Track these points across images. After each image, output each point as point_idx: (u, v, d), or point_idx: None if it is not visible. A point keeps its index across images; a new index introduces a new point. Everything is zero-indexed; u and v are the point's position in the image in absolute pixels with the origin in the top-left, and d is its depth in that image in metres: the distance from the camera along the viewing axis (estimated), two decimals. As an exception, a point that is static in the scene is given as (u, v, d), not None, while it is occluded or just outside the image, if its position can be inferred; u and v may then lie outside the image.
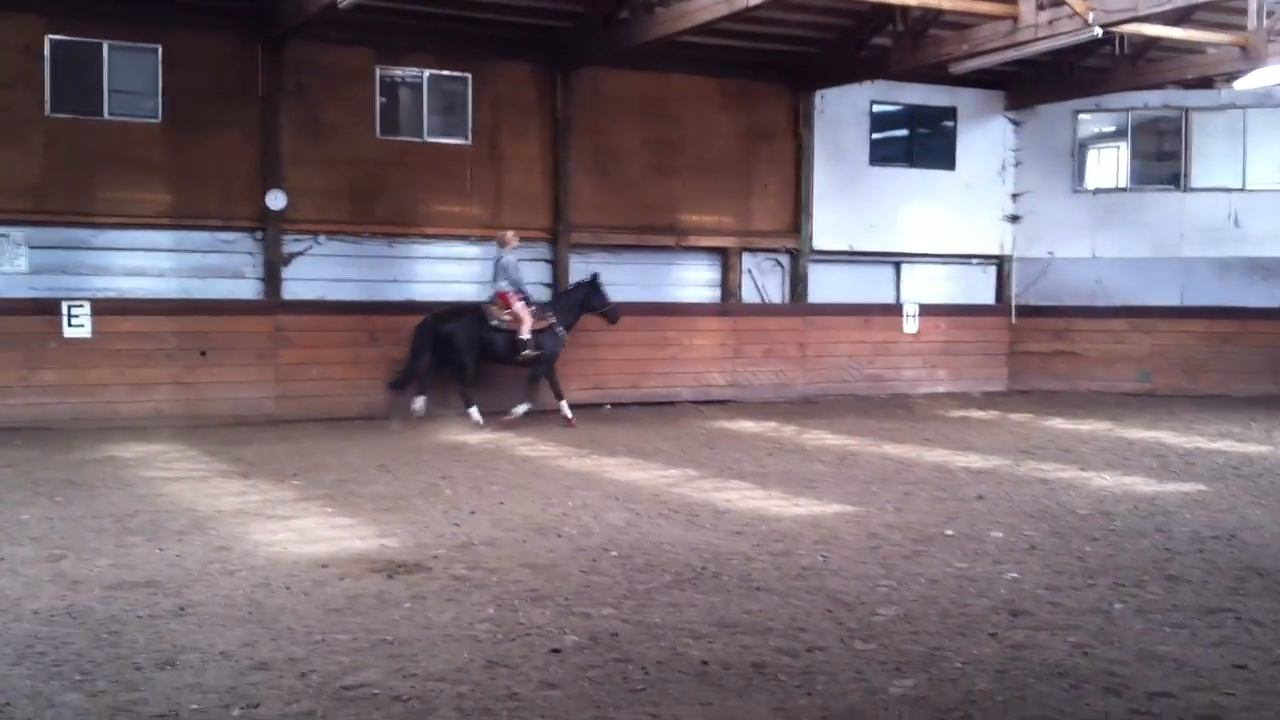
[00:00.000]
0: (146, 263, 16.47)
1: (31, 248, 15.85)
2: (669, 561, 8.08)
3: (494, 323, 16.10)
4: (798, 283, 20.55)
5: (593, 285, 16.96)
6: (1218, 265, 21.31)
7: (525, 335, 15.98)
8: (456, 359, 16.17)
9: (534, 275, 18.55)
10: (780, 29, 18.68)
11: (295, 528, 9.15)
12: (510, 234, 16.64)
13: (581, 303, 16.93)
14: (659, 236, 19.37)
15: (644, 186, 19.31)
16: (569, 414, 16.27)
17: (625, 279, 18.89)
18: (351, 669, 5.79)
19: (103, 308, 15.80)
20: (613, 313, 16.99)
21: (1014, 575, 7.76)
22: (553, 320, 16.44)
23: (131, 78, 16.30)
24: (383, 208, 17.60)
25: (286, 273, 17.01)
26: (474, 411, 15.97)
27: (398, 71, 17.78)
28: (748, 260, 20.29)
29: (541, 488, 11.10)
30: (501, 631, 6.42)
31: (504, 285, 16.15)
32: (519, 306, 16.02)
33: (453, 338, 16.08)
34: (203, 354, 16.25)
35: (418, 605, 6.93)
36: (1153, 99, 21.51)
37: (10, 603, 6.92)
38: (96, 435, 14.67)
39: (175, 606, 6.87)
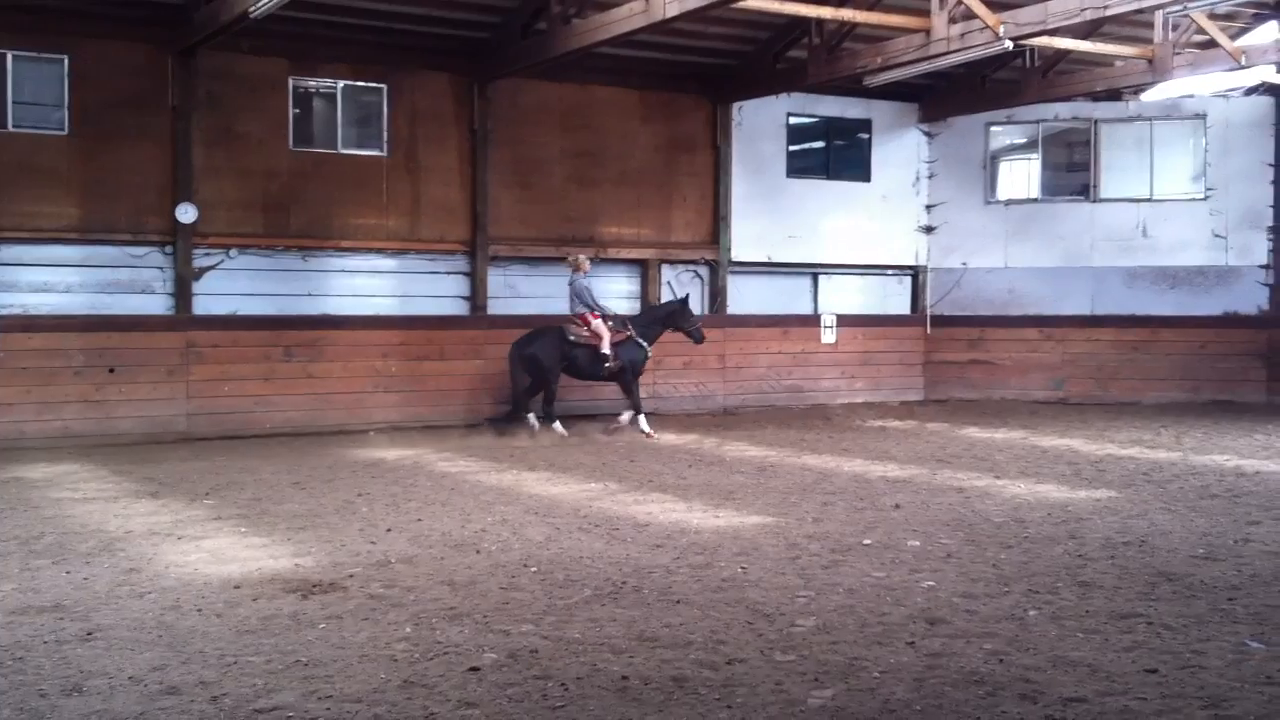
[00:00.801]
0: (53, 278, 16.10)
1: (-68, 264, 15.45)
2: (589, 576, 8.04)
3: (572, 338, 16.48)
4: (717, 294, 20.63)
5: (682, 304, 17.53)
6: (1127, 274, 21.78)
7: (605, 350, 16.35)
8: (541, 377, 16.50)
9: (451, 288, 18.44)
10: (698, 41, 18.79)
11: (207, 548, 8.97)
12: (583, 258, 17.04)
13: (664, 319, 17.38)
14: (579, 248, 19.30)
15: (564, 198, 19.29)
16: (646, 428, 16.62)
17: (545, 291, 18.86)
18: (265, 691, 5.67)
19: (8, 325, 15.42)
20: (697, 334, 17.50)
21: (931, 584, 7.82)
22: (630, 332, 16.77)
23: (37, 88, 15.97)
24: (297, 220, 17.37)
25: (198, 287, 16.72)
26: (558, 425, 16.31)
27: (312, 82, 17.58)
28: (667, 272, 20.34)
29: (460, 504, 11.00)
30: (419, 650, 6.33)
31: (580, 308, 16.52)
32: (597, 324, 16.40)
33: (537, 358, 16.42)
34: (111, 371, 15.92)
35: (333, 625, 6.82)
36: (1063, 111, 21.94)
37: (-92, 630, 6.71)
38: (2, 456, 14.28)
39: (82, 631, 6.70)
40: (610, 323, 16.63)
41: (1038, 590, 7.63)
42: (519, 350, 16.58)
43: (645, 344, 16.97)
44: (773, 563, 8.46)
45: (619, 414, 16.98)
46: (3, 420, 15.28)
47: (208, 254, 16.82)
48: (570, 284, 16.76)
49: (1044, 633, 6.67)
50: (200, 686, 5.75)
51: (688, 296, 17.97)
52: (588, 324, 16.44)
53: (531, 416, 16.50)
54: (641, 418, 16.71)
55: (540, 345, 16.52)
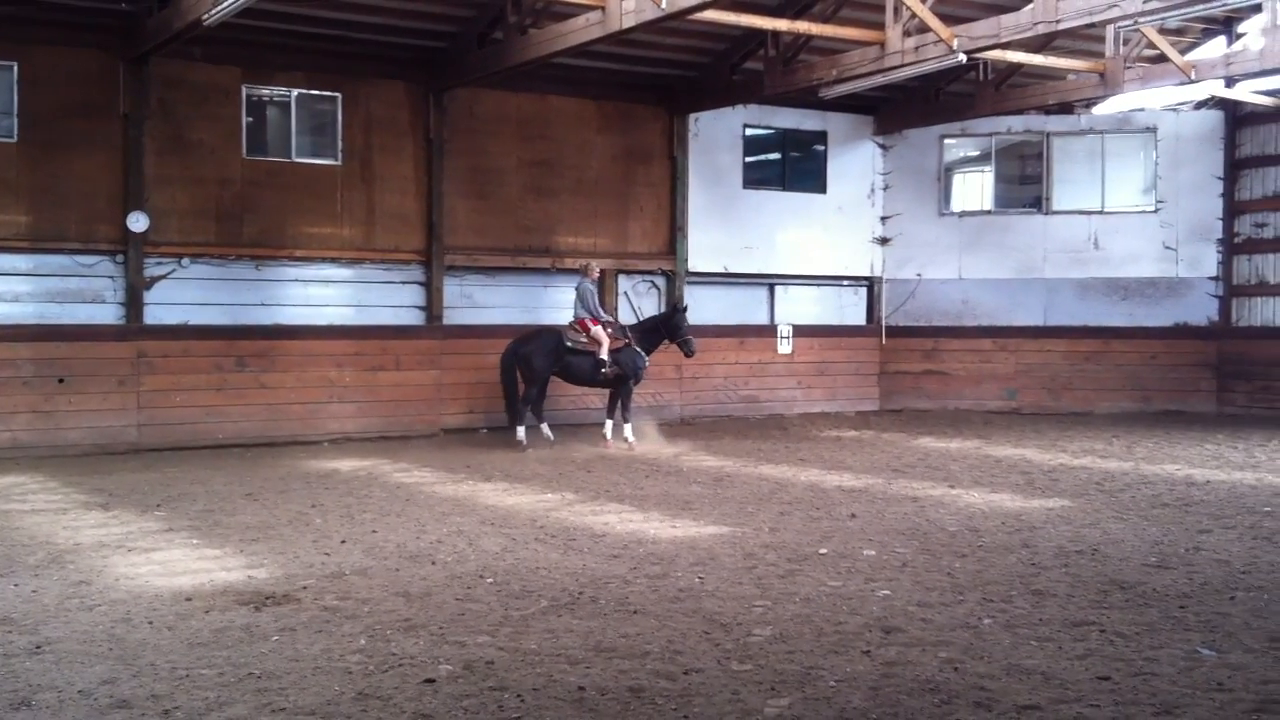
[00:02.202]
0: (1, 287, 15.86)
1: (-124, 272, 15.19)
2: (545, 587, 8.01)
3: (569, 343, 16.29)
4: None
5: (678, 312, 17.38)
6: (1079, 286, 22.01)
7: (604, 356, 16.23)
8: (528, 378, 16.29)
9: (407, 298, 18.34)
10: (655, 52, 18.82)
11: (158, 560, 8.86)
12: (594, 264, 17.09)
13: (660, 326, 17.27)
14: (535, 258, 19.30)
15: (520, 208, 19.24)
16: (630, 438, 16.49)
17: (501, 301, 18.81)
18: (218, 704, 5.61)
19: (-45, 334, 15.18)
20: (688, 345, 17.18)
21: (886, 593, 7.85)
22: (629, 340, 16.64)
23: (-16, 96, 15.74)
24: (250, 229, 17.22)
25: (149, 296, 16.52)
26: (521, 432, 16.10)
27: (266, 90, 17.45)
28: (624, 282, 20.33)
29: (415, 514, 10.94)
30: (373, 663, 6.28)
31: (581, 312, 16.40)
32: (597, 330, 16.26)
33: (529, 358, 16.24)
34: (61, 381, 15.70)
35: (286, 637, 6.75)
36: (1015, 124, 22.16)
37: None
38: (-52, 467, 14.08)
39: (31, 644, 6.60)
40: (610, 330, 16.53)
41: (992, 599, 7.68)
42: (515, 349, 16.39)
43: (644, 352, 16.86)
44: (729, 572, 8.46)
45: (602, 426, 16.75)
46: (-51, 431, 15.04)
47: (159, 263, 16.63)
48: (576, 288, 16.69)
49: (998, 641, 6.71)
50: (151, 700, 5.68)
51: (685, 305, 17.79)
52: (587, 330, 16.32)
53: (545, 427, 16.43)
54: (628, 427, 16.56)
55: (535, 346, 16.35)
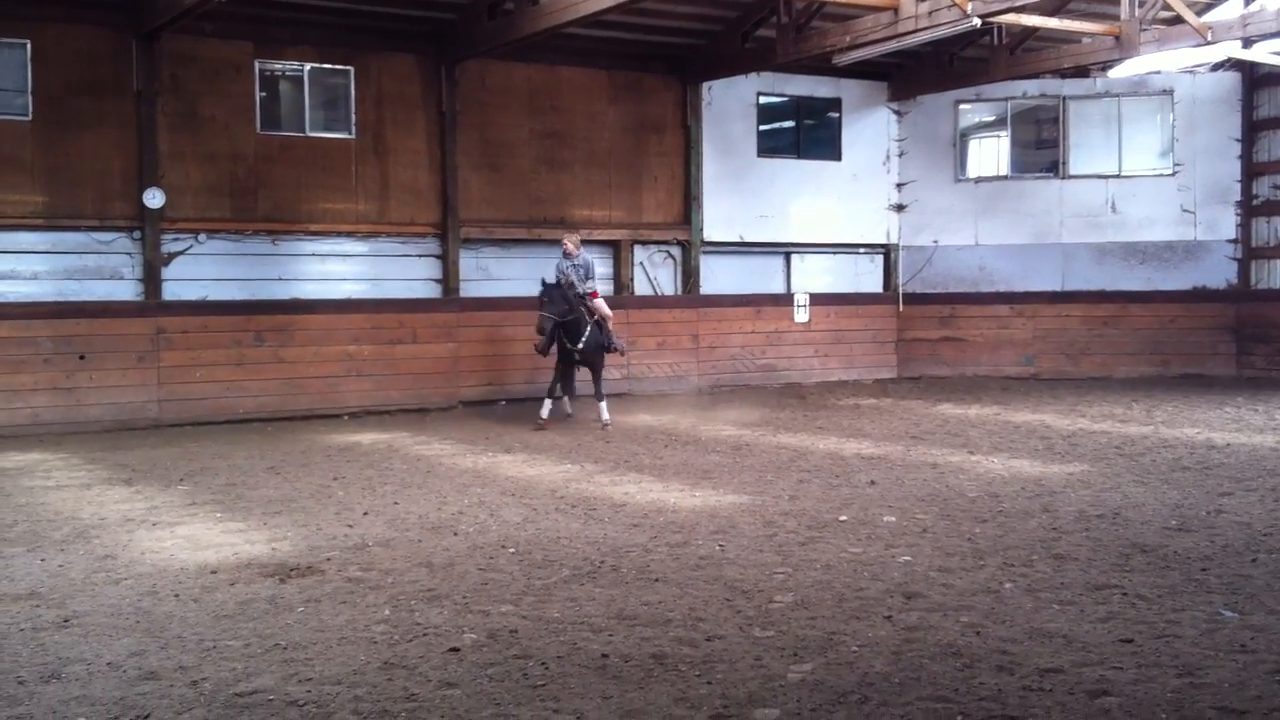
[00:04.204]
0: (19, 265, 15.93)
1: (-104, 252, 15.27)
2: (567, 556, 8.05)
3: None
4: (690, 274, 20.64)
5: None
6: (1096, 250, 21.91)
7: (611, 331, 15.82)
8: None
9: (422, 271, 18.36)
10: (667, 20, 18.74)
11: (183, 534, 8.93)
12: (569, 238, 16.23)
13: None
14: (550, 230, 19.27)
15: (534, 180, 19.22)
16: (605, 417, 15.55)
17: (516, 273, 18.81)
18: (244, 675, 5.66)
19: (-25, 312, 15.27)
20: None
21: (907, 558, 7.87)
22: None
23: (-1, 74, 15.78)
24: (265, 204, 17.25)
25: (166, 273, 16.59)
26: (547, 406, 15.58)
27: (278, 65, 17.44)
28: (639, 253, 20.32)
29: (436, 486, 10.99)
30: (398, 632, 6.33)
31: (591, 285, 15.84)
32: (599, 303, 15.78)
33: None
34: (81, 358, 15.79)
35: (311, 609, 6.80)
36: (1031, 88, 22.02)
37: (-119, 620, 6.65)
38: (-29, 444, 14.19)
39: (59, 618, 6.66)
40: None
41: (1013, 563, 7.69)
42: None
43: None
44: (750, 540, 8.49)
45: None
46: (-30, 409, 15.15)
47: (176, 239, 16.69)
48: (579, 261, 15.99)
49: (1020, 605, 6.73)
50: (179, 671, 5.73)
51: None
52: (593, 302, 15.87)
53: (565, 402, 16.15)
54: (603, 405, 15.82)
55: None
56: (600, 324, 15.72)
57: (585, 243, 19.42)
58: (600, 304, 15.90)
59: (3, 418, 15.24)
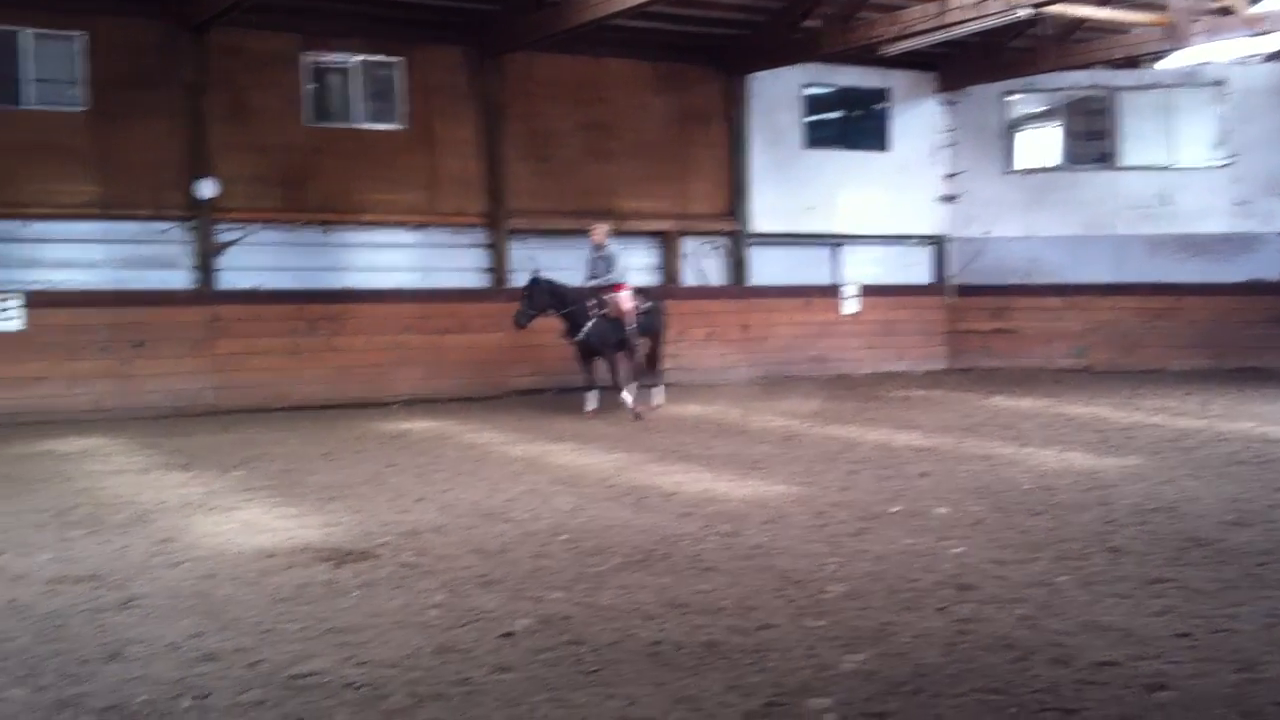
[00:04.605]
0: (77, 254, 16.20)
1: (-43, 241, 15.55)
2: (618, 544, 8.07)
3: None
4: (738, 265, 20.62)
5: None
6: (1149, 242, 21.68)
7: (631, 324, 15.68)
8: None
9: (471, 261, 18.46)
10: (712, 11, 18.74)
11: (240, 518, 9.04)
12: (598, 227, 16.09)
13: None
14: (600, 221, 19.28)
15: (580, 171, 19.28)
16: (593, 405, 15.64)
17: (564, 264, 18.77)
18: (301, 658, 5.72)
19: (35, 300, 15.54)
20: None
21: (959, 550, 7.82)
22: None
23: (53, 66, 16.03)
24: (315, 195, 17.42)
25: (220, 262, 16.81)
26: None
27: (326, 57, 17.59)
28: (687, 244, 20.32)
29: (488, 474, 11.05)
30: (452, 617, 6.37)
31: (615, 277, 15.65)
32: (621, 295, 15.62)
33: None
34: (139, 345, 16.01)
35: (366, 593, 6.87)
36: (1081, 79, 21.81)
37: (-51, 601, 6.79)
38: (33, 430, 14.43)
39: (120, 600, 6.76)
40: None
41: (1067, 556, 7.63)
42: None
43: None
44: (800, 531, 8.47)
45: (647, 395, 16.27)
46: (34, 395, 15.41)
47: (229, 229, 16.89)
48: (605, 252, 15.91)
49: (1074, 598, 6.67)
50: (238, 653, 5.80)
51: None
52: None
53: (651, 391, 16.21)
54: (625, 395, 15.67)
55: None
56: (611, 318, 15.52)
57: (633, 234, 19.59)
58: (620, 297, 15.58)
59: (63, 403, 15.50)
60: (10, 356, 15.33)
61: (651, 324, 16.16)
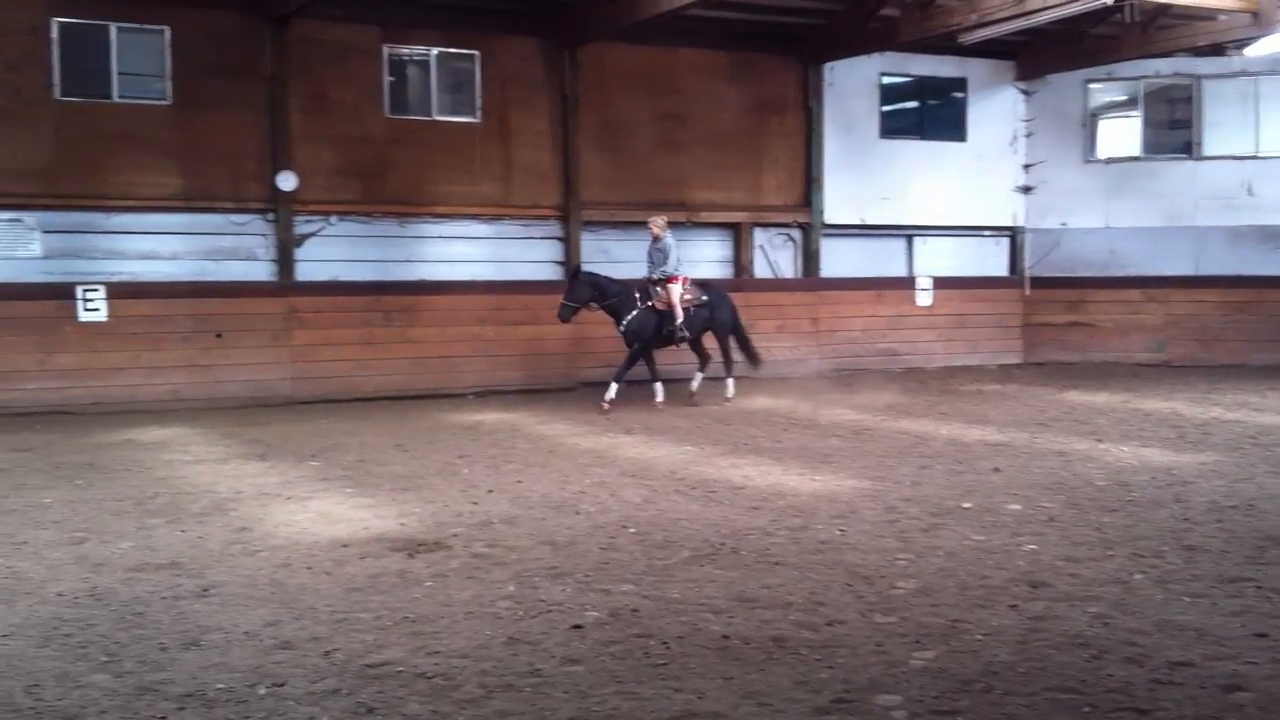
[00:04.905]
0: (159, 245, 16.52)
1: (44, 232, 15.95)
2: (687, 537, 8.09)
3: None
4: (810, 257, 20.53)
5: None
6: (1231, 234, 21.23)
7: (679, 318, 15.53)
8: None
9: (544, 253, 18.55)
10: (788, 1, 18.60)
11: (315, 508, 9.18)
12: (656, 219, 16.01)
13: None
14: (669, 212, 19.23)
15: (653, 162, 19.29)
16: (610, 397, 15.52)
17: (637, 255, 18.79)
18: (375, 647, 5.81)
19: (117, 291, 15.86)
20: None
21: (1032, 547, 7.75)
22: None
23: (140, 59, 16.34)
24: (393, 187, 17.61)
25: (299, 254, 17.06)
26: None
27: (405, 50, 17.76)
28: (759, 235, 20.27)
29: (558, 466, 11.12)
30: (522, 608, 6.44)
31: (668, 270, 15.54)
32: (672, 289, 15.51)
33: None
34: (218, 336, 16.30)
35: (438, 583, 6.95)
36: (1164, 67, 21.40)
37: (35, 586, 6.97)
38: (114, 419, 14.77)
39: (198, 587, 6.91)
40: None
41: (1143, 554, 7.53)
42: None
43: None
44: (871, 526, 8.44)
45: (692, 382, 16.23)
46: (115, 384, 15.74)
47: (308, 221, 17.14)
48: (661, 245, 15.79)
49: (1149, 596, 6.59)
50: (312, 641, 5.90)
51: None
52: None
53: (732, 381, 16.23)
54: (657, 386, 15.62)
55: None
56: (657, 309, 15.46)
57: (704, 225, 19.59)
58: (671, 290, 15.46)
59: (144, 393, 15.82)
60: (93, 346, 15.68)
61: (711, 318, 16.02)
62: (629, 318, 15.43)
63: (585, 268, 15.72)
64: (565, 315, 15.43)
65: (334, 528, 8.45)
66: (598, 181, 18.85)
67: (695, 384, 16.08)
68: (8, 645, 5.89)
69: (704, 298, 15.91)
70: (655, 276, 15.56)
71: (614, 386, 15.34)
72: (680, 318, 15.49)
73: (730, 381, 16.15)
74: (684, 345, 15.90)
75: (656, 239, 15.70)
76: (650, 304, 15.48)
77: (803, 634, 5.98)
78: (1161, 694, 5.13)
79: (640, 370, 15.74)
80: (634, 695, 5.16)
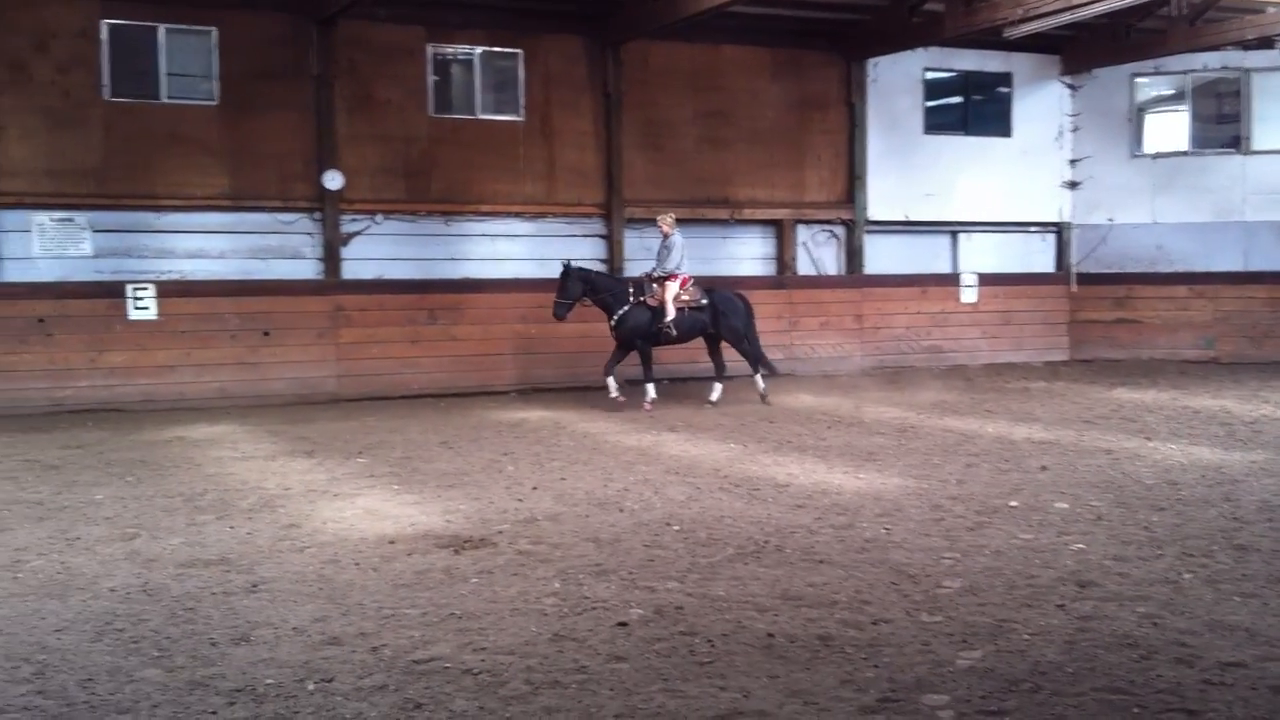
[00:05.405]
0: (207, 244, 16.69)
1: (95, 231, 16.13)
2: (731, 535, 8.09)
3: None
4: (853, 254, 20.45)
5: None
6: (1281, 229, 20.97)
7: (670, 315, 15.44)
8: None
9: (588, 251, 18.57)
10: (830, -4, 18.56)
11: (362, 505, 9.26)
12: (664, 216, 15.99)
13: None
14: (712, 210, 19.34)
15: (696, 159, 19.28)
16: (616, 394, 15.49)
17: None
18: (422, 643, 5.85)
19: (167, 289, 16.06)
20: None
21: (1080, 546, 7.70)
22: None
23: (187, 60, 16.51)
24: (437, 186, 17.71)
25: (345, 252, 17.18)
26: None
27: (449, 49, 17.84)
28: (802, 232, 20.22)
29: (602, 463, 11.15)
30: (567, 605, 6.46)
31: (668, 268, 15.46)
32: (668, 286, 15.41)
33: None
34: (265, 334, 16.46)
35: (484, 580, 6.99)
36: (1212, 60, 21.15)
37: (88, 581, 7.07)
38: (164, 415, 14.97)
39: (247, 583, 6.98)
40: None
41: (1192, 553, 7.46)
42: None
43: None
44: (916, 524, 8.41)
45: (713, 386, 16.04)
46: (165, 382, 15.95)
47: (354, 220, 17.26)
48: (667, 243, 15.69)
49: (1199, 596, 6.53)
50: (360, 637, 5.95)
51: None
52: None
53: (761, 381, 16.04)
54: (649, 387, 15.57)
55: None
56: (651, 307, 15.37)
57: (747, 222, 19.54)
58: (666, 288, 15.35)
59: (193, 390, 16.01)
60: (143, 344, 15.88)
61: (711, 321, 15.78)
62: (620, 313, 15.42)
63: (575, 264, 15.62)
64: (560, 313, 15.40)
65: (381, 524, 8.52)
66: (641, 179, 18.87)
67: (762, 385, 15.92)
68: (62, 640, 5.98)
69: (704, 300, 15.75)
70: (656, 274, 15.55)
71: (650, 387, 15.40)
72: (670, 315, 15.39)
73: (718, 385, 15.83)
74: (671, 344, 15.86)
75: (665, 236, 15.67)
76: (642, 300, 15.45)
77: (848, 632, 5.97)
78: (1212, 695, 5.09)
79: (624, 368, 15.71)
80: (679, 693, 5.17)
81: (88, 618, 6.33)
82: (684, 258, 15.64)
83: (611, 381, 15.32)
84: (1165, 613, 6.23)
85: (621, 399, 15.28)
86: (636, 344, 15.56)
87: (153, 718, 4.97)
